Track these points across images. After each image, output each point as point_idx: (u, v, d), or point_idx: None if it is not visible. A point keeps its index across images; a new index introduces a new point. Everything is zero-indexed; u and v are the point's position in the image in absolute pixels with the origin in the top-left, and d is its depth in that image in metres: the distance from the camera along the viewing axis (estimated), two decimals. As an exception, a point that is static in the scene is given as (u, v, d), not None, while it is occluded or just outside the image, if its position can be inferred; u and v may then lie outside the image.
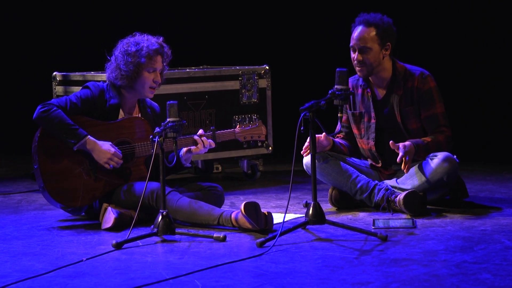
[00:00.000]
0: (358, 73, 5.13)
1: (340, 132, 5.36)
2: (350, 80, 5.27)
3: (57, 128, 4.81)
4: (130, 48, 4.92)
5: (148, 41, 4.95)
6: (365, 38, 5.05)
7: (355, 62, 5.09)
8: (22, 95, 8.43)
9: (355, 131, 5.30)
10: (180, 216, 4.75)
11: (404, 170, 4.94)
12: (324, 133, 5.04)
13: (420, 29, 7.69)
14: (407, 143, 4.98)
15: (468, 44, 7.70)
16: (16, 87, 8.64)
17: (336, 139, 5.29)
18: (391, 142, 4.93)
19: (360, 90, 5.24)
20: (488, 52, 7.65)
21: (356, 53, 5.07)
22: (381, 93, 5.20)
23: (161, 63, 4.98)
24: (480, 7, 7.60)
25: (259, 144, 6.33)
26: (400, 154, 4.89)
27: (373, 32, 5.06)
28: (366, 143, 5.25)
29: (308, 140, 5.00)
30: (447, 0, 7.68)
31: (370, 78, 5.18)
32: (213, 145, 4.96)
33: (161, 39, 5.02)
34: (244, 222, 4.58)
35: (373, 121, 5.20)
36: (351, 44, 5.10)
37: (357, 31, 5.08)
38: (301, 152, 5.04)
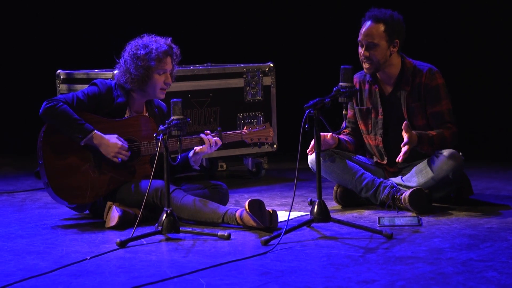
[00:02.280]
0: (365, 70, 5.10)
1: (346, 127, 5.32)
2: (357, 75, 5.24)
3: (63, 123, 4.80)
4: (139, 52, 4.89)
5: (157, 42, 4.92)
6: (372, 34, 5.01)
7: (362, 57, 5.06)
8: (26, 94, 8.42)
9: (362, 127, 5.27)
10: (184, 214, 4.73)
11: (399, 160, 4.89)
12: (330, 132, 5.02)
13: (426, 26, 7.66)
14: (412, 132, 4.94)
15: (475, 40, 7.68)
16: (20, 86, 8.63)
17: (342, 136, 5.26)
18: (405, 122, 4.87)
19: (367, 86, 5.21)
20: (496, 49, 7.62)
21: (363, 49, 5.04)
22: (388, 89, 5.17)
23: (170, 64, 4.96)
24: (482, 4, 7.58)
25: (266, 146, 6.31)
26: (403, 150, 4.87)
27: (381, 29, 5.02)
28: (373, 139, 5.22)
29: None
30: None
31: (377, 74, 5.15)
32: (220, 143, 4.95)
33: (169, 40, 4.99)
34: (248, 220, 4.56)
35: (380, 117, 5.17)
36: (358, 39, 5.07)
37: (365, 27, 5.04)
38: (307, 151, 5.02)
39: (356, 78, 5.23)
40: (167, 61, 4.93)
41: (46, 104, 4.83)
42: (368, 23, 5.04)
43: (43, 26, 8.54)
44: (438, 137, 5.00)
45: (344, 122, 5.19)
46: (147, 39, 4.95)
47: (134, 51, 4.91)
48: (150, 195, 4.76)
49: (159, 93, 4.97)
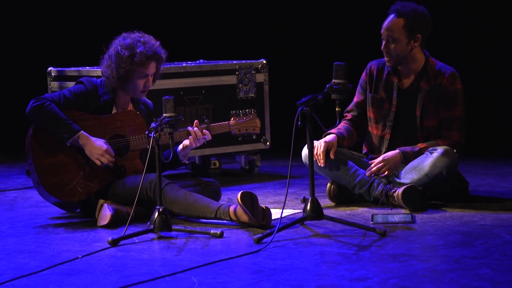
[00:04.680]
0: (387, 63, 5.08)
1: (350, 111, 5.28)
2: (375, 62, 5.21)
3: (50, 122, 4.77)
4: (124, 52, 4.85)
5: (144, 45, 4.87)
6: (392, 28, 4.99)
7: (384, 51, 5.04)
8: (17, 91, 8.39)
9: (370, 114, 5.23)
10: (177, 207, 4.71)
11: (367, 173, 4.99)
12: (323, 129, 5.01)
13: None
14: (390, 153, 4.97)
15: (469, 36, 7.67)
16: (11, 83, 8.59)
17: (340, 130, 5.19)
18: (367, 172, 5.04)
19: (385, 75, 5.17)
20: (489, 46, 7.61)
21: (384, 42, 5.02)
22: (406, 83, 5.13)
23: (154, 68, 4.94)
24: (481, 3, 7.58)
25: (254, 137, 6.28)
26: (377, 160, 4.95)
27: (401, 23, 4.99)
28: (381, 129, 5.18)
29: (319, 148, 4.98)
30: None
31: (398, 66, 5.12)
32: (209, 137, 4.93)
33: (157, 43, 4.94)
34: (241, 213, 4.54)
35: (393, 109, 5.14)
36: (381, 31, 5.05)
37: (387, 20, 5.02)
38: (320, 164, 5.02)
39: (374, 64, 5.20)
40: (150, 66, 4.90)
41: (33, 102, 4.80)
42: (391, 17, 5.02)
43: (34, 23, 8.50)
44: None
45: (337, 120, 5.17)
46: (135, 37, 4.90)
47: (119, 50, 4.87)
48: (144, 188, 4.74)
49: (139, 94, 4.96)
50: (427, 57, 5.09)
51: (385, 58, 5.06)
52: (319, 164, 5.03)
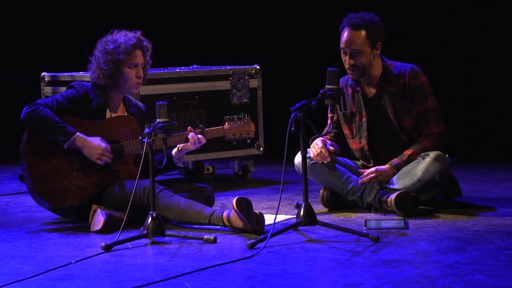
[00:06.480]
0: (351, 76, 5.08)
1: (327, 133, 5.31)
2: (341, 80, 5.22)
3: (45, 127, 4.77)
4: (108, 47, 4.90)
5: (125, 36, 4.92)
6: (355, 42, 4.99)
7: (347, 66, 5.04)
8: (10, 96, 8.37)
9: (346, 131, 5.26)
10: (170, 214, 4.71)
11: (359, 180, 5.02)
12: (316, 135, 5.02)
13: (412, 25, 7.67)
14: (381, 167, 5.01)
15: (462, 43, 7.69)
16: (4, 87, 8.58)
17: (327, 141, 5.24)
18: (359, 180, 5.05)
19: (350, 90, 5.20)
20: (483, 50, 7.63)
21: (348, 57, 5.02)
22: (371, 91, 5.16)
23: (141, 57, 4.95)
24: (471, 3, 7.60)
25: (248, 141, 6.28)
26: (370, 170, 4.98)
27: (363, 35, 5.00)
28: (358, 142, 5.21)
29: (317, 147, 4.99)
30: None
31: None
32: (204, 141, 4.93)
33: (138, 33, 4.98)
34: (235, 219, 4.54)
35: (364, 119, 5.16)
36: (341, 46, 5.05)
37: (347, 35, 5.01)
38: (313, 156, 5.03)
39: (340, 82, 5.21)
40: (136, 54, 4.92)
41: (26, 109, 4.80)
42: (349, 31, 5.01)
43: (27, 28, 8.50)
44: (418, 153, 5.01)
45: (329, 124, 5.18)
46: (116, 34, 4.96)
47: (104, 47, 4.92)
48: (138, 194, 4.74)
49: (133, 87, 4.95)
50: (385, 62, 5.12)
51: (349, 71, 5.06)
52: (324, 162, 5.04)
